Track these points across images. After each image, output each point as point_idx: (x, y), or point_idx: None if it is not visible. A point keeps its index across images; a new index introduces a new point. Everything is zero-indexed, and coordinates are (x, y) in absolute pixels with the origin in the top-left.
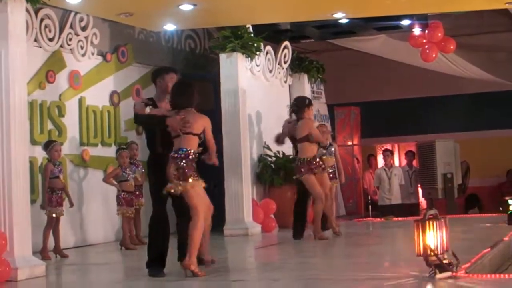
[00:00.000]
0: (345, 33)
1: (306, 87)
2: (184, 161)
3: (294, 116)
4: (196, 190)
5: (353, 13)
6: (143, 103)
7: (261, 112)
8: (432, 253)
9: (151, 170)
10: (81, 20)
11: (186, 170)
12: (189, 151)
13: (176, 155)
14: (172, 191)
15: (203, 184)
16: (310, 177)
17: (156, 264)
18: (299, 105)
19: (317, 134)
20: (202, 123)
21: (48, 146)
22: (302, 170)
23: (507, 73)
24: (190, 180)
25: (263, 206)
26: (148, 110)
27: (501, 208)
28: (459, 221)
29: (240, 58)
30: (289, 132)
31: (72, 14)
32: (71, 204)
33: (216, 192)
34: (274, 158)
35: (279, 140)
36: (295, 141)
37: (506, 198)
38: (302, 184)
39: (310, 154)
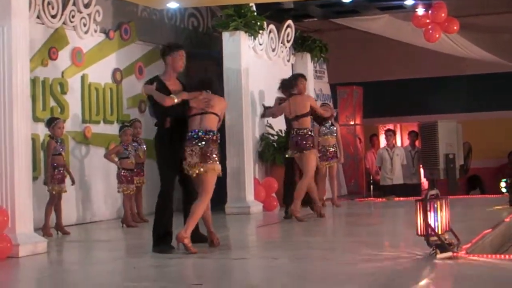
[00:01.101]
0: (348, 12)
1: (309, 66)
2: (204, 142)
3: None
4: (214, 173)
5: None
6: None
7: (263, 90)
8: (433, 233)
9: (159, 146)
10: None
11: (208, 153)
12: (211, 133)
13: (195, 135)
14: (190, 172)
15: (219, 168)
16: (314, 153)
17: (166, 241)
18: (287, 82)
19: (318, 108)
20: (222, 106)
21: (51, 123)
22: (307, 144)
23: (511, 54)
24: (210, 162)
25: (265, 184)
26: (175, 99)
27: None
28: (461, 201)
29: (243, 37)
30: (279, 109)
31: None
32: (73, 182)
33: None
34: (276, 137)
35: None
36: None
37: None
38: (292, 162)
39: (310, 127)
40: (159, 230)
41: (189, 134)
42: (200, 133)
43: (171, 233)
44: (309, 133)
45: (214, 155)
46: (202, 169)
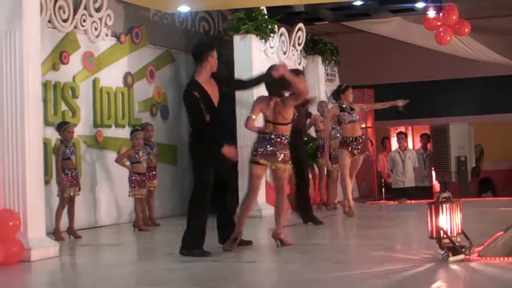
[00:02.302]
0: (359, 15)
1: (320, 69)
2: (275, 146)
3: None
4: (288, 172)
5: None
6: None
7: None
8: (445, 236)
9: (199, 147)
10: (95, 1)
11: (278, 153)
12: (283, 137)
13: (267, 136)
14: (271, 166)
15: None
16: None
17: (199, 245)
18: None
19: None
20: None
21: (61, 127)
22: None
23: None
24: (281, 161)
25: None
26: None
27: None
28: (473, 204)
29: (254, 40)
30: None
31: None
32: (79, 189)
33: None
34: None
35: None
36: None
37: None
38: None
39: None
40: (194, 234)
41: (263, 135)
42: (272, 135)
43: (205, 236)
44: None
45: (284, 155)
46: (274, 167)
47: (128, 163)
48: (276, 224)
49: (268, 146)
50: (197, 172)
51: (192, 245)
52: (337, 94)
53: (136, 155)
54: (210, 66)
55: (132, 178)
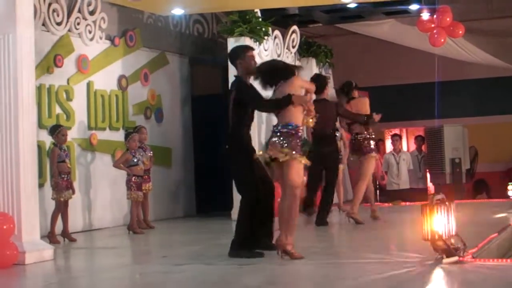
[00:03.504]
0: (353, 17)
1: (314, 72)
2: (283, 137)
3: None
4: (298, 164)
5: None
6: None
7: (269, 96)
8: (439, 238)
9: (243, 155)
10: (89, 4)
11: (293, 143)
12: (289, 126)
13: (275, 129)
14: (271, 155)
15: (304, 161)
16: (375, 157)
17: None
18: (347, 87)
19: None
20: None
21: (55, 130)
22: (372, 147)
23: None
24: (294, 152)
25: None
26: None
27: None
28: (467, 206)
29: (248, 43)
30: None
31: None
32: (73, 192)
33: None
34: None
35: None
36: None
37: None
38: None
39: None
40: (241, 236)
41: (281, 129)
42: (279, 127)
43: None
44: (368, 136)
45: (299, 148)
46: (283, 156)
47: (123, 166)
48: (284, 233)
49: None
50: (244, 179)
51: (239, 246)
52: (350, 90)
53: (134, 158)
54: (245, 68)
55: (132, 180)
